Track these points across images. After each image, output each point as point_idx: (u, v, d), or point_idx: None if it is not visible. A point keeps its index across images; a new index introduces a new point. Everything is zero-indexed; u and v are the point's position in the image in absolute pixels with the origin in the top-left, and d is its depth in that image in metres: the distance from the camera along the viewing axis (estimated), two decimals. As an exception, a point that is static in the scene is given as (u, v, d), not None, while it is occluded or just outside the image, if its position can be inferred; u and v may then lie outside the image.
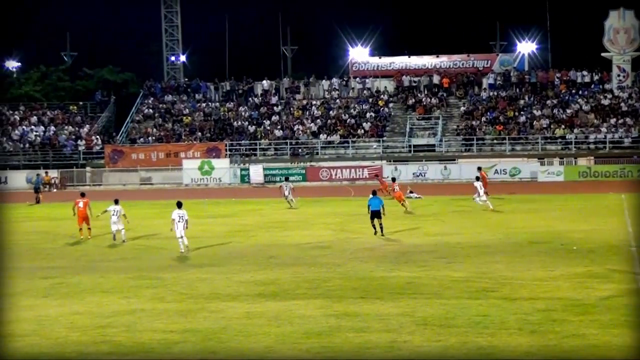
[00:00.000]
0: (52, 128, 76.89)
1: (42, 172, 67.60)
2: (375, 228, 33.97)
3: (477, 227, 36.62)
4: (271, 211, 46.39)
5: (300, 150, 71.97)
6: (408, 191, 51.69)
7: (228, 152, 71.72)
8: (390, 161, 69.81)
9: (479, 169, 49.11)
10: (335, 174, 68.21)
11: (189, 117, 77.14)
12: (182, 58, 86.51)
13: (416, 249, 30.61)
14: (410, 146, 71.04)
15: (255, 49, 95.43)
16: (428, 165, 67.95)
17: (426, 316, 19.45)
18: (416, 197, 51.04)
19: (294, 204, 47.83)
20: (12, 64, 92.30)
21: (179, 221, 30.71)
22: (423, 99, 75.61)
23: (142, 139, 74.54)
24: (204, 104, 79.00)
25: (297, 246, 32.12)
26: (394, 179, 48.25)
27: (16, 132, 76.33)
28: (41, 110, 79.95)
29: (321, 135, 72.80)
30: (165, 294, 23.15)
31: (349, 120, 74.25)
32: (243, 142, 73.11)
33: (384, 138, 72.12)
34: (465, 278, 24.24)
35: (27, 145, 75.23)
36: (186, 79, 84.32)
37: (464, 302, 20.90)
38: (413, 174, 66.84)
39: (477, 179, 44.95)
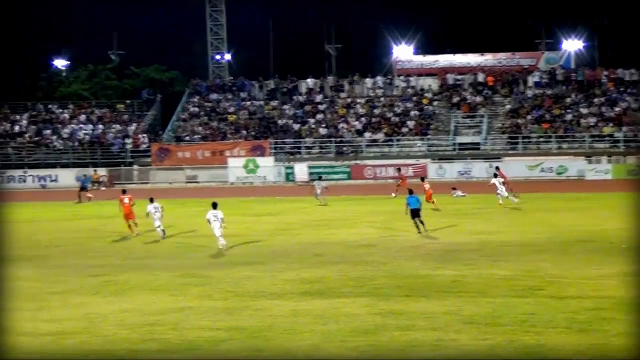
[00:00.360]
0: (100, 126, 77.75)
1: (90, 170, 68.48)
2: (418, 227, 33.85)
3: (522, 225, 36.42)
4: (316, 209, 46.48)
5: (344, 148, 71.99)
6: (452, 189, 51.68)
7: (273, 151, 71.94)
8: (434, 159, 69.51)
9: (497, 168, 49.58)
10: (380, 172, 68.11)
11: (234, 116, 77.50)
12: (227, 56, 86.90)
13: (461, 247, 30.52)
14: (455, 144, 70.75)
15: (299, 48, 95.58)
16: (473, 163, 67.67)
17: (472, 314, 19.40)
18: (460, 195, 51.02)
19: (324, 201, 48.07)
20: (61, 63, 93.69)
21: (214, 221, 31.00)
22: (467, 97, 75.21)
23: (187, 137, 75.10)
24: (248, 102, 79.29)
25: (342, 244, 32.18)
26: (422, 178, 48.18)
27: (66, 130, 77.40)
28: (89, 109, 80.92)
29: (365, 133, 72.75)
30: (211, 291, 23.32)
31: (393, 118, 74.11)
32: (287, 140, 73.31)
33: (429, 136, 71.88)
34: (511, 276, 24.13)
35: (76, 143, 76.18)
36: (231, 78, 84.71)
37: (511, 301, 20.81)
38: (458, 172, 66.66)
39: (495, 176, 45.49)
